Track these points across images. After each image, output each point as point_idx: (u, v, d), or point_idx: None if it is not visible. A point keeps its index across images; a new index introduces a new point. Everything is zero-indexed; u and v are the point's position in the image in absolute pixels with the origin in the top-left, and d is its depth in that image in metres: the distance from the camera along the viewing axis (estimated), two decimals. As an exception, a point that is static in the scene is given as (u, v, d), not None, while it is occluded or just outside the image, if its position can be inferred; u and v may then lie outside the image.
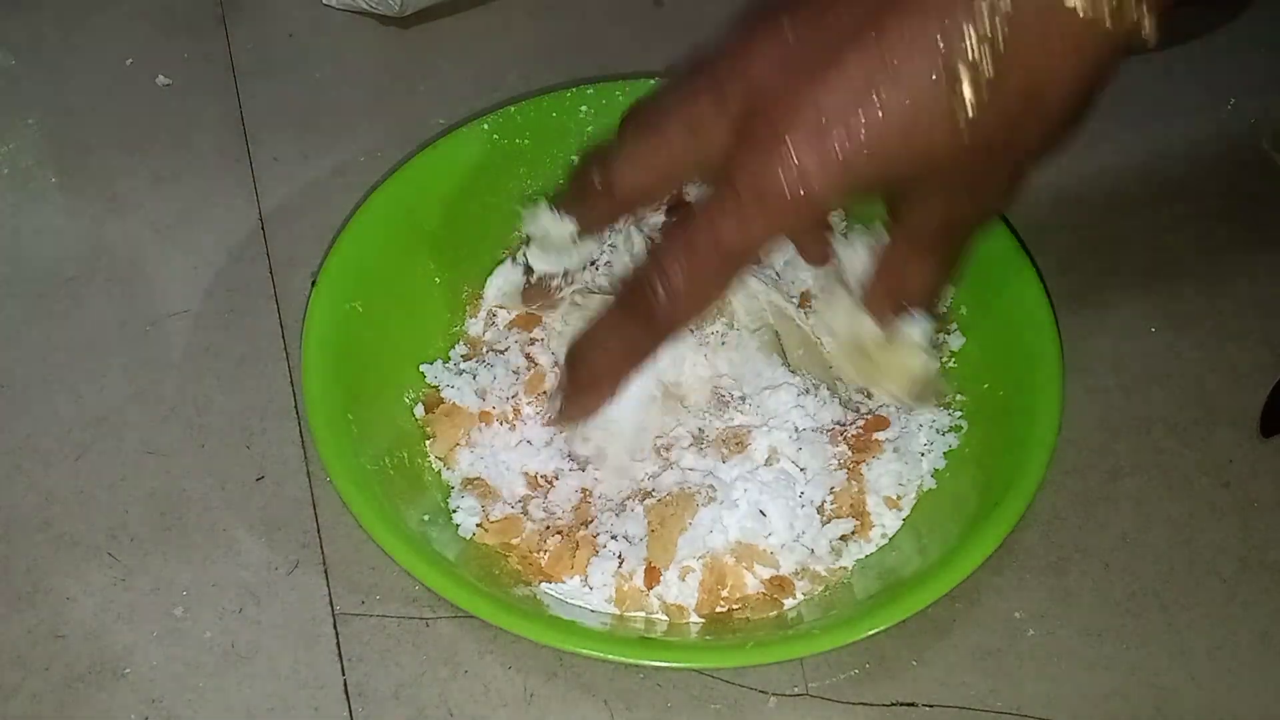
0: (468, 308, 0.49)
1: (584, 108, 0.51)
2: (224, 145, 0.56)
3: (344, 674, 0.40)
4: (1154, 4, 0.31)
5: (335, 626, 0.41)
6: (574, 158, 0.44)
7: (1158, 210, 0.53)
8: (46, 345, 0.49)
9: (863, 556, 0.41)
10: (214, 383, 0.47)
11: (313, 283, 0.45)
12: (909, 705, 0.39)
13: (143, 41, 0.61)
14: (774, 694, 0.39)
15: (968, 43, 0.31)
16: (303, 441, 0.45)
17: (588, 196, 0.37)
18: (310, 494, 0.44)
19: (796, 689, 0.39)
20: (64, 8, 0.63)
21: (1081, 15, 0.31)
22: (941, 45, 0.31)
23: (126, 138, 0.56)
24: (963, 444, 0.44)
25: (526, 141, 0.51)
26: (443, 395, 0.45)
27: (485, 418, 0.44)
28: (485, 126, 0.50)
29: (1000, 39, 0.31)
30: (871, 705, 0.39)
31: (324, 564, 0.42)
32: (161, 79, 0.59)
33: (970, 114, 0.31)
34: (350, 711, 0.39)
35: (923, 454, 0.44)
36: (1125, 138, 0.56)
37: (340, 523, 0.43)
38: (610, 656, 0.37)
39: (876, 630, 0.36)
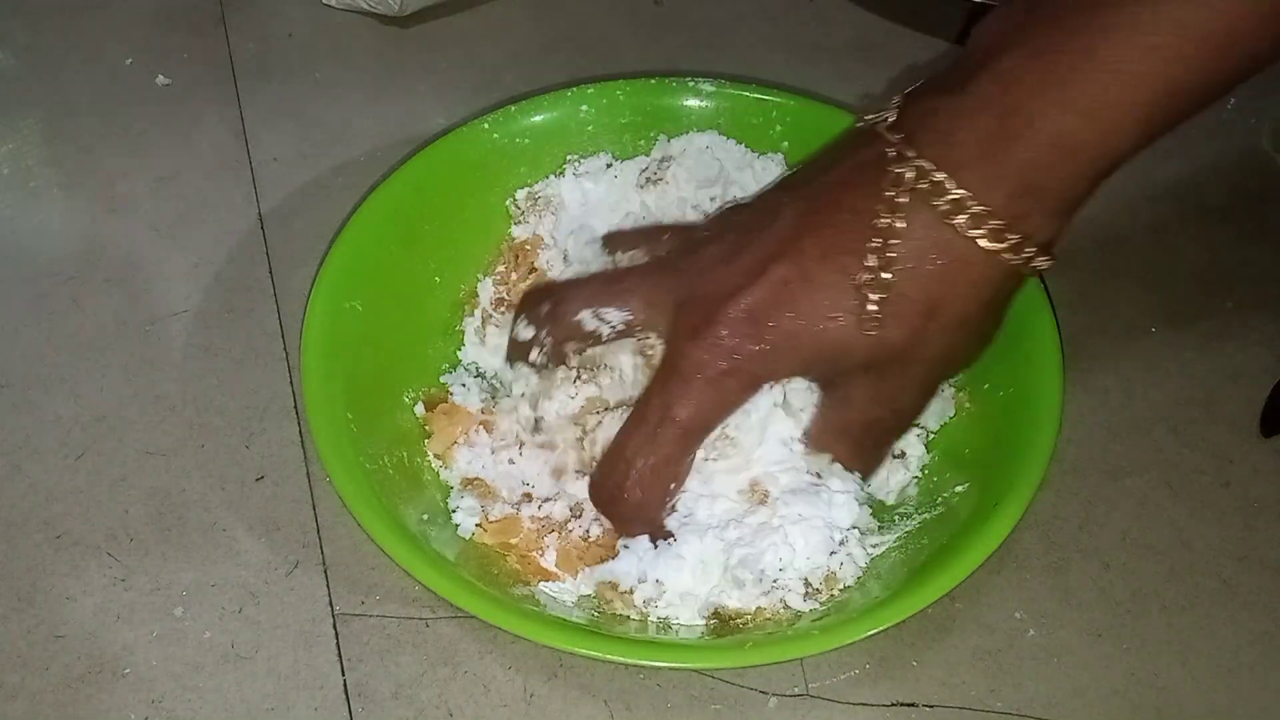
0: (465, 307, 0.49)
1: (584, 107, 0.51)
2: (224, 145, 0.56)
3: (344, 674, 0.40)
4: (1034, 239, 0.35)
5: (335, 626, 0.41)
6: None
7: (1158, 210, 0.53)
8: (46, 345, 0.49)
9: (869, 556, 0.41)
10: (214, 383, 0.47)
11: (313, 282, 0.45)
12: (909, 705, 0.39)
13: (143, 41, 0.61)
14: (774, 694, 0.39)
15: (871, 262, 0.36)
16: (303, 441, 0.45)
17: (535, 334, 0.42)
18: (310, 494, 0.44)
19: (796, 689, 0.39)
20: (64, 8, 0.63)
21: (970, 239, 0.35)
22: (849, 262, 0.36)
23: (126, 138, 0.57)
24: (963, 444, 0.44)
25: (526, 141, 0.51)
26: (450, 391, 0.46)
27: (486, 424, 0.45)
28: (485, 126, 0.50)
29: (900, 260, 0.36)
30: (871, 705, 0.39)
31: (324, 564, 0.42)
32: (161, 79, 0.59)
33: (875, 322, 0.36)
34: (350, 711, 0.39)
35: (920, 454, 0.44)
36: (1125, 138, 0.56)
37: (340, 523, 0.43)
38: (610, 657, 0.37)
39: (876, 630, 0.36)
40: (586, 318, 0.41)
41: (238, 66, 0.60)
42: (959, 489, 0.42)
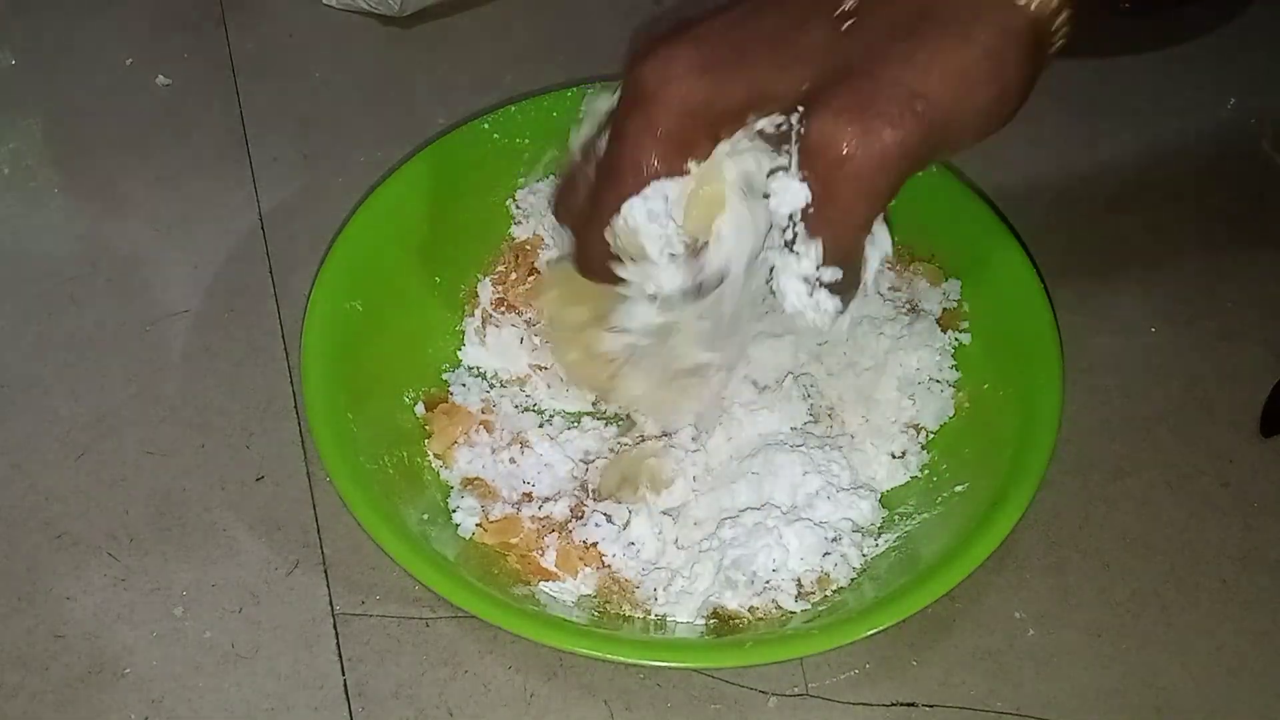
0: (465, 307, 0.49)
1: (584, 107, 0.51)
2: (224, 145, 0.56)
3: (344, 674, 0.40)
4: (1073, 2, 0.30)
5: (335, 626, 0.41)
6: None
7: (1158, 210, 0.53)
8: (46, 345, 0.49)
9: (864, 558, 0.41)
10: (214, 383, 0.47)
11: (313, 282, 0.45)
12: (909, 705, 0.39)
13: (143, 41, 0.61)
14: (774, 694, 0.39)
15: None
16: (303, 441, 0.45)
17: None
18: (310, 494, 0.44)
19: (796, 689, 0.39)
20: (64, 8, 0.63)
21: None
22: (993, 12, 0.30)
23: (126, 138, 0.56)
24: (962, 444, 0.44)
25: (526, 141, 0.51)
26: (450, 391, 0.46)
27: (486, 424, 0.45)
28: (485, 126, 0.50)
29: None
30: (871, 705, 0.39)
31: (324, 564, 0.42)
32: (161, 79, 0.59)
33: (839, 29, 0.31)
34: (350, 711, 0.39)
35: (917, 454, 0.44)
36: (1125, 137, 0.56)
37: (340, 523, 0.43)
38: (610, 656, 0.37)
39: (876, 630, 0.36)
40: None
41: (238, 66, 0.60)
42: (959, 489, 0.42)
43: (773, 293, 0.34)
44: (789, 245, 0.33)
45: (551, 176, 0.51)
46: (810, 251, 0.32)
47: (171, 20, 0.62)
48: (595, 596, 0.41)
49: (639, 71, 0.33)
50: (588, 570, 0.41)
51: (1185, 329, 0.49)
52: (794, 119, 0.32)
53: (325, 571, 0.42)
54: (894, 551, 0.41)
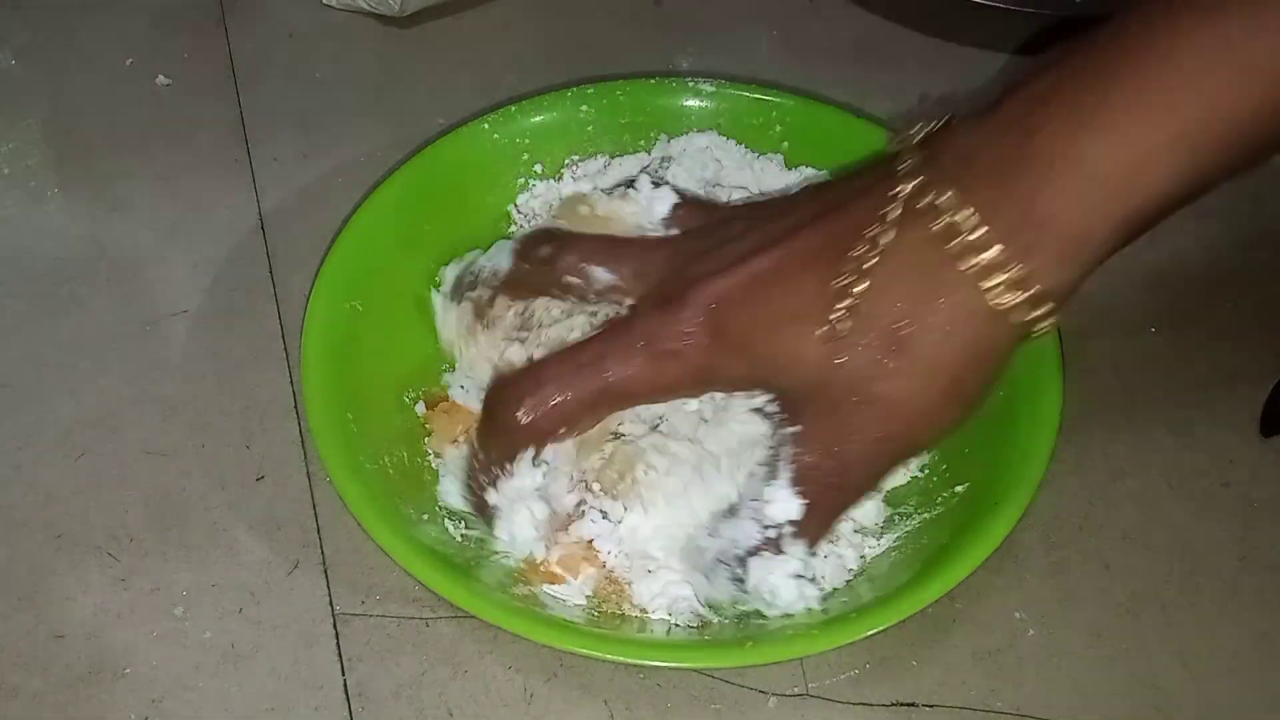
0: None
1: (584, 107, 0.51)
2: (224, 145, 0.56)
3: (344, 674, 0.40)
4: (1031, 281, 0.31)
5: (335, 626, 0.41)
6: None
7: (1158, 210, 0.53)
8: (46, 345, 0.48)
9: (862, 559, 0.41)
10: (214, 383, 0.47)
11: (313, 281, 0.45)
12: (909, 705, 0.39)
13: (143, 41, 0.61)
14: (774, 694, 0.39)
15: (848, 269, 0.33)
16: (303, 441, 0.45)
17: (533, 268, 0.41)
18: (310, 494, 0.44)
19: (796, 689, 0.39)
20: (64, 8, 0.63)
21: (969, 279, 0.31)
22: (828, 270, 0.33)
23: (126, 138, 0.56)
24: (962, 444, 0.43)
25: (527, 141, 0.51)
26: (449, 391, 0.46)
27: None
28: (485, 126, 0.50)
29: (876, 274, 0.32)
30: (871, 705, 0.39)
31: (324, 564, 0.42)
32: (161, 79, 0.59)
33: (837, 338, 0.33)
34: (350, 711, 0.39)
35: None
36: (1125, 138, 0.56)
37: (340, 523, 0.43)
38: (608, 656, 0.37)
39: (876, 630, 0.36)
40: (577, 271, 0.39)
41: (238, 66, 0.60)
42: (958, 489, 0.42)
43: (740, 580, 0.37)
44: (773, 544, 0.36)
45: (550, 180, 0.51)
46: (798, 550, 0.36)
47: (171, 20, 0.62)
48: (594, 596, 0.41)
49: (651, 323, 0.36)
50: (591, 571, 0.41)
51: (1185, 329, 0.49)
52: (779, 422, 0.36)
53: (325, 571, 0.42)
54: (894, 552, 0.41)
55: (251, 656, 0.40)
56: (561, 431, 0.38)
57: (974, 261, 0.31)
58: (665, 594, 0.40)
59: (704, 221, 0.41)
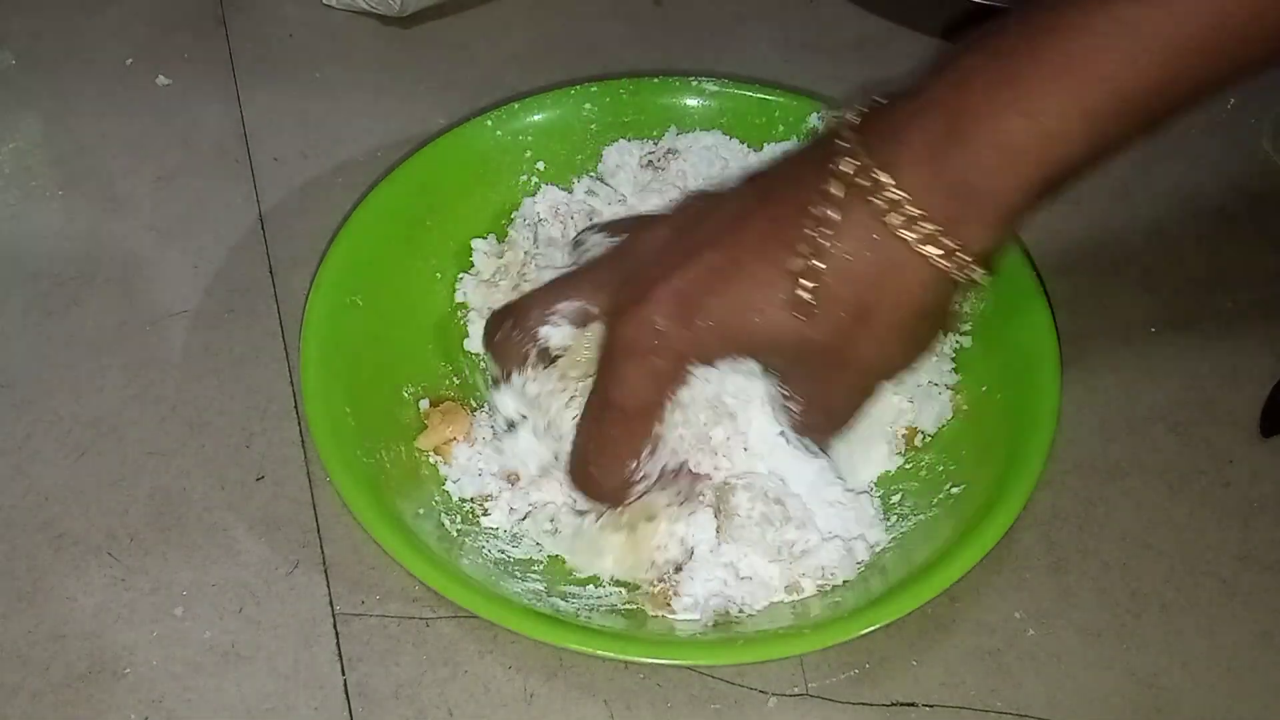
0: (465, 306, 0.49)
1: (587, 105, 0.51)
2: (224, 145, 0.56)
3: (344, 674, 0.40)
4: (970, 249, 0.34)
5: (335, 626, 0.41)
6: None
7: (1158, 210, 0.53)
8: (46, 345, 0.48)
9: (858, 562, 0.41)
10: (214, 383, 0.47)
11: (314, 276, 0.45)
12: (909, 705, 0.39)
13: (143, 41, 0.61)
14: (774, 694, 0.39)
15: (804, 250, 0.35)
16: (303, 441, 0.45)
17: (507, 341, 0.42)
18: (310, 494, 0.44)
19: (796, 689, 0.39)
20: (64, 8, 0.63)
21: (903, 241, 0.34)
22: (782, 252, 0.35)
23: (126, 138, 0.56)
24: (960, 445, 0.43)
25: (529, 138, 0.51)
26: (452, 395, 0.46)
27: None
28: (488, 123, 0.50)
29: (832, 253, 0.35)
30: (871, 705, 0.39)
31: (324, 564, 0.42)
32: (161, 79, 0.59)
33: (805, 313, 0.35)
34: (350, 711, 0.39)
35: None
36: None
37: (340, 523, 0.43)
38: (606, 653, 0.37)
39: (872, 628, 0.36)
40: (545, 321, 0.41)
41: (238, 66, 0.60)
42: (955, 490, 0.42)
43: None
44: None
45: (553, 184, 0.51)
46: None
47: (171, 20, 0.62)
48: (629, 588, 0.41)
49: (627, 330, 0.38)
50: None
51: (1185, 329, 0.49)
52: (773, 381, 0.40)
53: (325, 571, 0.42)
54: (889, 552, 0.41)
55: (251, 656, 0.40)
56: (633, 466, 0.40)
57: (914, 233, 0.34)
58: (701, 591, 0.40)
59: (638, 226, 0.42)
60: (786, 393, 0.40)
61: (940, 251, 0.34)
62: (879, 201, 0.34)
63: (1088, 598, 0.41)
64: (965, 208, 0.34)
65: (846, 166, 0.34)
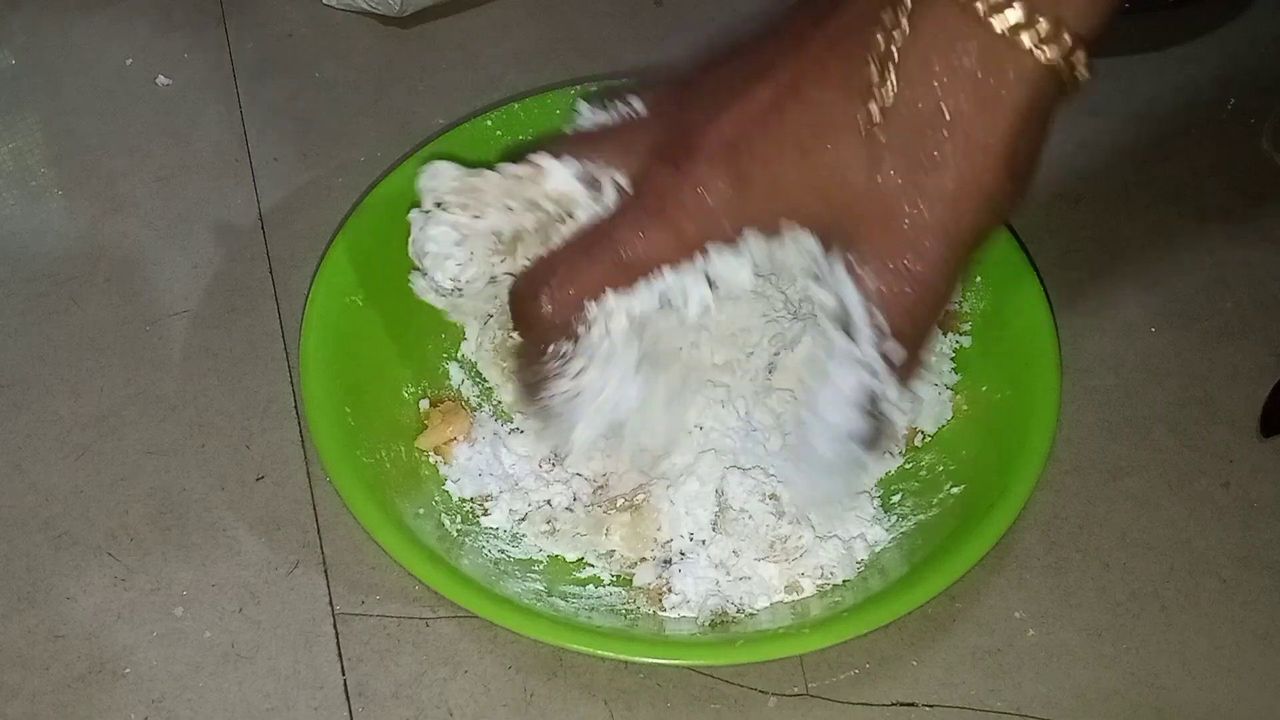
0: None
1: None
2: (224, 145, 0.56)
3: (344, 674, 0.40)
4: (1066, 25, 0.29)
5: (335, 626, 0.41)
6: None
7: (1158, 210, 0.53)
8: (46, 345, 0.49)
9: (858, 563, 0.41)
10: (214, 383, 0.47)
11: (314, 275, 0.45)
12: (909, 705, 0.39)
13: (143, 41, 0.61)
14: (774, 694, 0.39)
15: (874, 66, 0.30)
16: (303, 441, 0.45)
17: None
18: (310, 494, 0.44)
19: (796, 689, 0.39)
20: (64, 8, 0.63)
21: (999, 32, 0.29)
22: (848, 72, 0.30)
23: (126, 138, 0.56)
24: (959, 446, 0.43)
25: (530, 137, 0.51)
26: (453, 386, 0.46)
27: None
28: (489, 123, 0.50)
29: (907, 63, 0.30)
30: (871, 705, 0.39)
31: (324, 564, 0.42)
32: (161, 79, 0.59)
33: (879, 141, 0.30)
34: (350, 711, 0.39)
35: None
36: (1125, 138, 0.56)
37: (340, 523, 0.43)
38: (607, 653, 0.37)
39: (873, 628, 0.36)
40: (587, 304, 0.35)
41: (238, 66, 0.60)
42: (955, 490, 0.42)
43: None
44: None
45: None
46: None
47: (171, 20, 0.62)
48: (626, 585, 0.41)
49: (663, 182, 0.33)
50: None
51: (1185, 329, 0.49)
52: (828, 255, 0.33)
53: (325, 571, 0.42)
54: (889, 552, 0.41)
55: (251, 656, 0.40)
56: (586, 306, 0.35)
57: (1004, 19, 0.29)
58: (692, 590, 0.40)
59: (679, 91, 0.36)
60: (859, 269, 0.32)
61: (1037, 36, 0.29)
62: None
63: (1088, 598, 0.41)
64: None
65: None
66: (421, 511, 0.41)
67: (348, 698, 0.39)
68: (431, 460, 0.44)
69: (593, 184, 0.36)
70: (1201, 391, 0.47)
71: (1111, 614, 0.41)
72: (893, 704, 0.39)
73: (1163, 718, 0.39)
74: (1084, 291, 0.50)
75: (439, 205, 0.38)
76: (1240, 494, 0.44)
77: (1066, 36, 0.29)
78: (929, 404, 0.44)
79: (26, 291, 0.50)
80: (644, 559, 0.41)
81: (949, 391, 0.45)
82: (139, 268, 0.51)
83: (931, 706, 0.39)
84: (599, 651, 0.37)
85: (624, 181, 0.35)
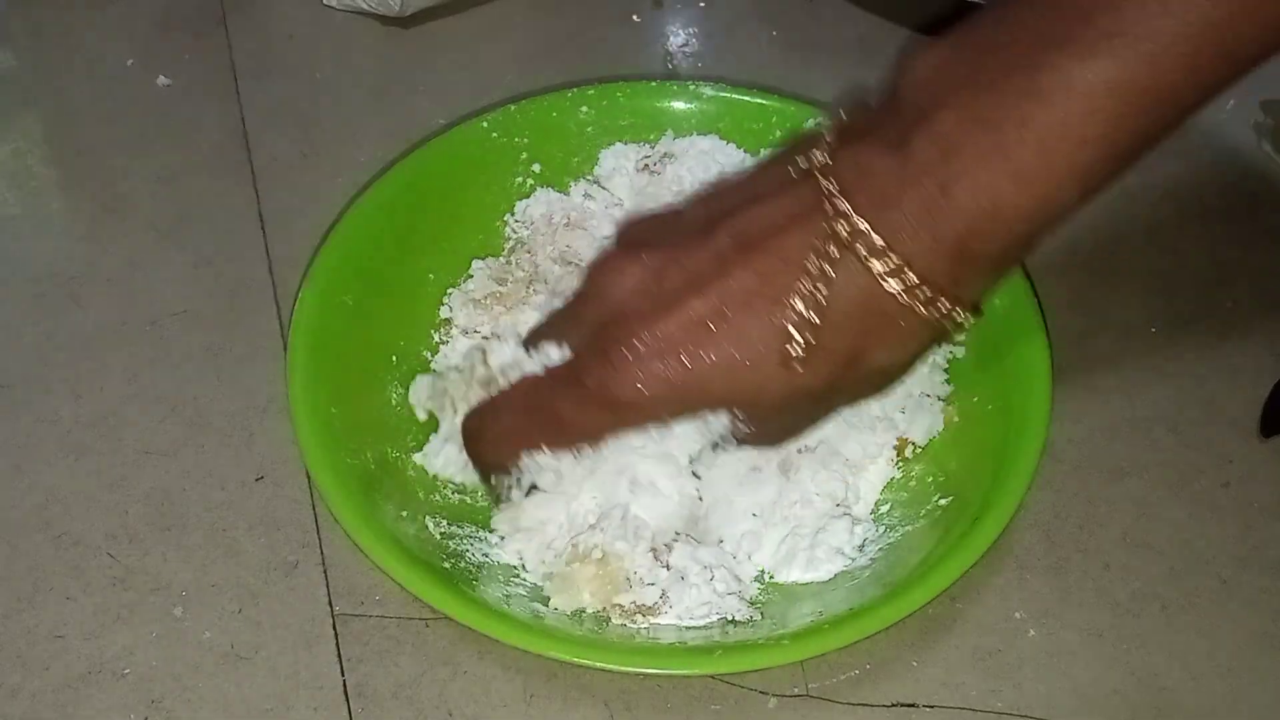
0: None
1: (584, 108, 0.51)
2: (224, 145, 0.56)
3: (344, 674, 0.40)
4: (964, 301, 0.35)
5: (335, 627, 0.41)
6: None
7: (1157, 210, 0.53)
8: (46, 345, 0.48)
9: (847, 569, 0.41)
10: (214, 383, 0.47)
11: (303, 275, 0.45)
12: (909, 705, 0.39)
13: (143, 41, 0.61)
14: (774, 694, 0.39)
15: (799, 306, 0.35)
16: (303, 441, 0.45)
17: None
18: (310, 494, 0.44)
19: (797, 690, 0.39)
20: (64, 7, 0.63)
21: (899, 301, 0.34)
22: (773, 306, 0.35)
23: (126, 138, 0.57)
24: (949, 457, 0.43)
25: (525, 140, 0.51)
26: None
27: None
28: (484, 125, 0.50)
29: (829, 310, 0.35)
30: (871, 705, 0.39)
31: (324, 564, 0.42)
32: (161, 79, 0.59)
33: (796, 366, 0.35)
34: (350, 711, 0.39)
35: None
36: (1125, 138, 0.56)
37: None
38: (602, 665, 0.36)
39: (870, 632, 0.36)
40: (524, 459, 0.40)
41: (238, 66, 0.60)
42: (942, 502, 0.41)
43: None
44: None
45: (549, 187, 0.51)
46: None
47: (171, 20, 0.62)
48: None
49: (612, 377, 0.37)
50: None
51: (1185, 329, 0.49)
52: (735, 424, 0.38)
53: (325, 571, 0.42)
54: (877, 562, 0.41)
55: (251, 656, 0.40)
56: (523, 462, 0.39)
57: (915, 298, 0.34)
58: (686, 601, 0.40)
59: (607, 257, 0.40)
60: (741, 421, 0.38)
61: (939, 311, 0.35)
62: (876, 265, 0.34)
63: (1088, 598, 0.41)
64: (964, 269, 0.34)
65: (839, 224, 0.34)
66: (405, 514, 0.41)
67: (347, 698, 0.39)
68: (418, 462, 0.44)
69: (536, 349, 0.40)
70: (1201, 391, 0.47)
71: (1111, 614, 0.41)
72: (893, 704, 0.39)
73: (1163, 718, 0.39)
74: (1084, 291, 0.50)
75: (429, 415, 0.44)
76: (1240, 494, 0.44)
77: (962, 308, 0.35)
78: (920, 415, 0.44)
79: (26, 291, 0.50)
80: (617, 604, 0.40)
81: (940, 403, 0.45)
82: (139, 268, 0.51)
83: (932, 707, 0.39)
84: (591, 662, 0.36)
85: (567, 352, 0.40)
